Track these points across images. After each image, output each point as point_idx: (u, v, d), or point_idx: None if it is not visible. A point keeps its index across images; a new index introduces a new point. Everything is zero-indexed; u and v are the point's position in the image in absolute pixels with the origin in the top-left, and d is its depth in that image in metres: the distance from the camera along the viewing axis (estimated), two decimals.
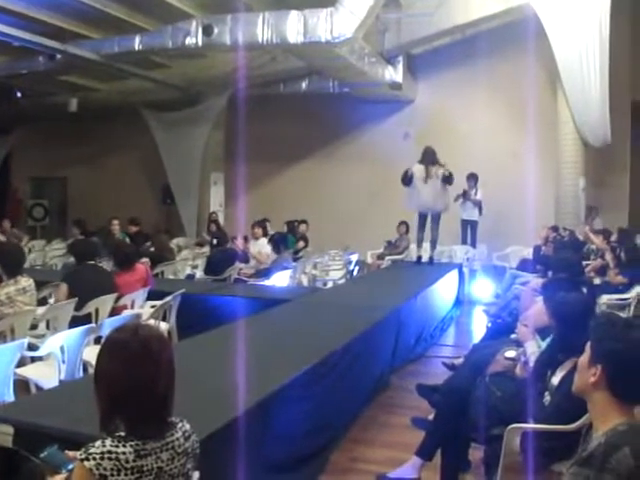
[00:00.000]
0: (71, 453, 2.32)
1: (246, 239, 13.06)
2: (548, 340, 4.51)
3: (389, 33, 15.13)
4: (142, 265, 8.34)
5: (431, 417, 5.04)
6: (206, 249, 14.11)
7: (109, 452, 2.23)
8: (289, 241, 13.57)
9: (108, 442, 2.26)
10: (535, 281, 8.37)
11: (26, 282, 6.09)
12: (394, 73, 15.81)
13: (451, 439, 4.62)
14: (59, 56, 13.57)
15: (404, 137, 16.60)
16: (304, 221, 15.05)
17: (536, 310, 5.28)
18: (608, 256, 10.40)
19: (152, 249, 12.04)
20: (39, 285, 6.86)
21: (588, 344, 2.50)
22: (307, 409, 4.87)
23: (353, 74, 14.58)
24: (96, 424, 2.37)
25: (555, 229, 12.42)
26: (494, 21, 14.80)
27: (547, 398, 4.00)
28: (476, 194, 14.75)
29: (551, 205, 14.70)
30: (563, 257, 8.05)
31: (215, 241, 12.19)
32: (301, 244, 14.08)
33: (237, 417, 3.74)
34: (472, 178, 14.80)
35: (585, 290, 5.28)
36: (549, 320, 4.40)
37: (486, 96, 16.25)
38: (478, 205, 14.75)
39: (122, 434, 2.31)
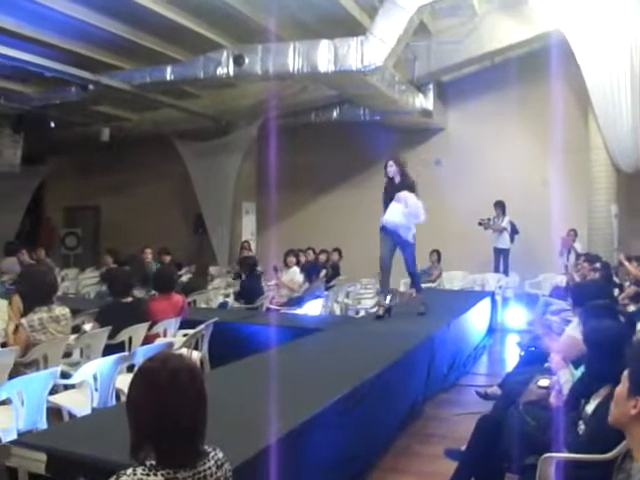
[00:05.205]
0: None
1: (276, 269, 12.90)
2: (582, 369, 4.46)
3: (419, 61, 15.15)
4: (180, 296, 8.36)
5: (464, 447, 5.00)
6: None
7: None
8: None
9: (139, 470, 2.25)
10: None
11: (60, 311, 6.11)
12: (424, 101, 15.86)
13: (484, 469, 4.58)
14: (91, 87, 13.68)
15: (436, 163, 16.65)
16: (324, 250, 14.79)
17: (566, 340, 5.24)
18: None
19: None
20: (73, 313, 6.90)
21: (625, 374, 2.43)
22: (339, 438, 4.85)
23: (384, 102, 14.61)
24: (128, 452, 2.36)
25: (592, 260, 11.84)
26: (523, 48, 14.83)
27: (582, 427, 3.95)
28: (502, 222, 14.77)
29: (583, 232, 14.57)
30: (597, 285, 7.97)
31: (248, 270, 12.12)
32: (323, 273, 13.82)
33: (269, 446, 3.72)
34: (498, 206, 14.96)
35: (623, 318, 5.20)
36: (584, 347, 4.35)
37: (516, 122, 16.24)
38: (500, 232, 14.79)
39: (153, 462, 2.30)
